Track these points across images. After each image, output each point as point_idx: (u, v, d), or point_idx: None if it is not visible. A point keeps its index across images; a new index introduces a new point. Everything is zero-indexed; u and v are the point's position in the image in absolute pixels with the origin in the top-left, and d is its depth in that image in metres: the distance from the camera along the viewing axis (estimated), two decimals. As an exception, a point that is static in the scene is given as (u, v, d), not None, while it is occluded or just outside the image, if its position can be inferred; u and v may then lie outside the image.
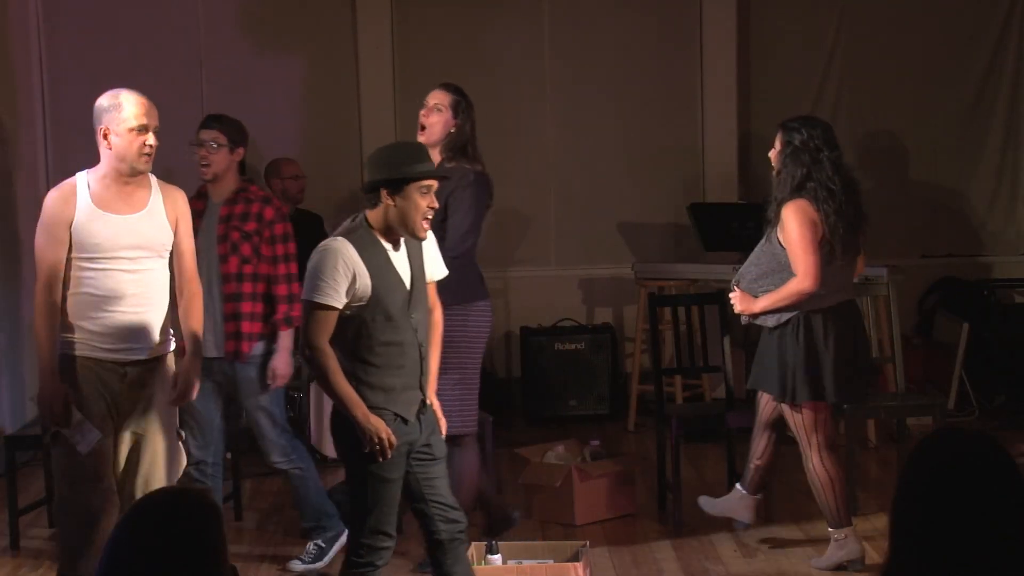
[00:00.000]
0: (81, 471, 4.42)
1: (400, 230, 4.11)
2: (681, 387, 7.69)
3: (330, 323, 4.03)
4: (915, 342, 8.13)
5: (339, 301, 4.01)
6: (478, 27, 8.40)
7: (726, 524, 5.85)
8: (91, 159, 4.58)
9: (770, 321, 5.26)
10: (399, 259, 4.15)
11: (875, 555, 5.43)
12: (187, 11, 8.22)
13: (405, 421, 4.13)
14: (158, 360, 4.56)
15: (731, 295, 5.37)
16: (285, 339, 5.38)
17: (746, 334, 6.50)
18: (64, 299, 4.45)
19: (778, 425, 5.52)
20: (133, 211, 4.50)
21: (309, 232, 7.78)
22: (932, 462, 2.35)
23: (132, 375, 4.49)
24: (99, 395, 4.46)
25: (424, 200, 4.08)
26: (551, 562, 5.03)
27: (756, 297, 5.26)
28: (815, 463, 5.35)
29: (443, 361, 4.49)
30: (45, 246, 4.45)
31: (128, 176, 4.48)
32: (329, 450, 7.02)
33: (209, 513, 2.40)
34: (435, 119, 5.37)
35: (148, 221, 4.52)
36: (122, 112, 4.43)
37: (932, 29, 8.47)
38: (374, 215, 4.10)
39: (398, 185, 4.05)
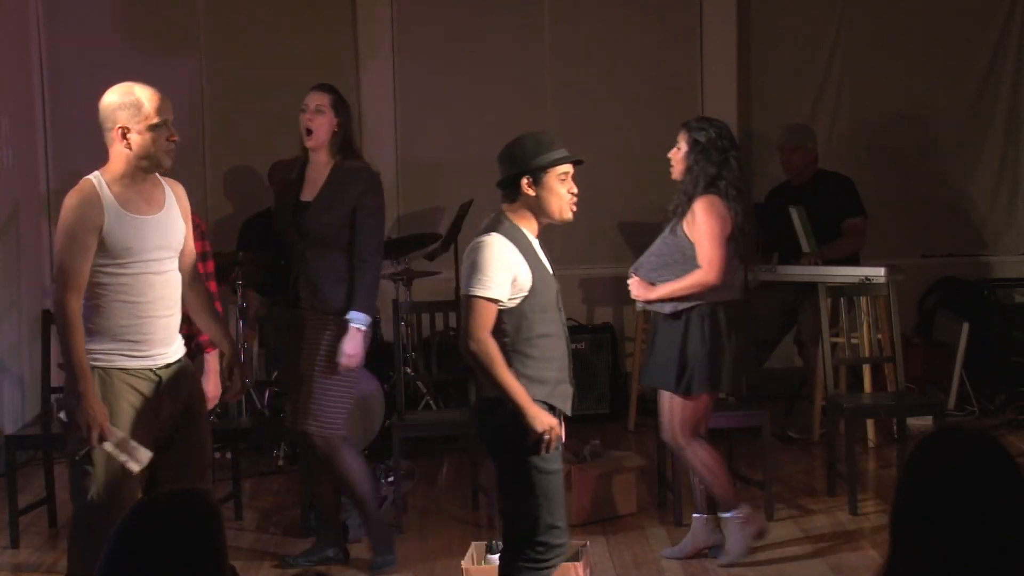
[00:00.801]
0: (119, 489, 4.20)
1: (543, 218, 4.22)
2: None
3: (492, 316, 4.08)
4: (915, 342, 8.13)
5: (503, 294, 4.08)
6: (478, 27, 8.40)
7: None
8: (91, 158, 4.51)
9: (667, 308, 5.34)
10: (541, 252, 4.27)
11: (876, 555, 5.43)
12: (187, 11, 8.22)
13: (559, 414, 4.18)
14: (182, 359, 4.42)
15: (629, 282, 5.44)
16: (212, 361, 5.20)
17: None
18: (89, 310, 4.22)
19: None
20: (155, 210, 4.33)
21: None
22: (932, 462, 2.35)
23: (166, 379, 4.31)
24: (131, 406, 4.25)
25: (564, 185, 4.23)
26: (551, 562, 5.02)
27: (654, 285, 5.35)
28: (695, 452, 5.39)
29: (329, 362, 4.68)
30: (73, 255, 4.18)
31: (149, 173, 4.32)
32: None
33: (209, 513, 2.40)
34: (320, 121, 5.40)
35: (168, 219, 4.36)
36: (142, 109, 4.28)
37: (932, 29, 8.47)
38: (515, 208, 4.21)
39: (538, 174, 4.17)
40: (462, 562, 5.02)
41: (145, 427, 4.26)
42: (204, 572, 2.34)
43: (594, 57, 8.39)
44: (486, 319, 4.07)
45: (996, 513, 2.27)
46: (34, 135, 8.00)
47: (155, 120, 4.30)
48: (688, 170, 5.38)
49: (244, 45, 8.26)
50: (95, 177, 4.27)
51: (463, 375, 6.26)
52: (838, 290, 6.57)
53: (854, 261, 7.29)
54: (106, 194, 4.23)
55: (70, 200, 4.23)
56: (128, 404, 4.24)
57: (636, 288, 5.41)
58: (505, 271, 4.08)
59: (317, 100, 5.42)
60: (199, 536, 2.36)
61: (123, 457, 4.19)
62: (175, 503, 2.41)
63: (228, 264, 7.06)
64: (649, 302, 5.40)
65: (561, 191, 4.19)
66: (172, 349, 4.36)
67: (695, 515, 5.55)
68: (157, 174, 4.42)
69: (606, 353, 8.02)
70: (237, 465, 6.26)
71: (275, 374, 6.87)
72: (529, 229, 4.22)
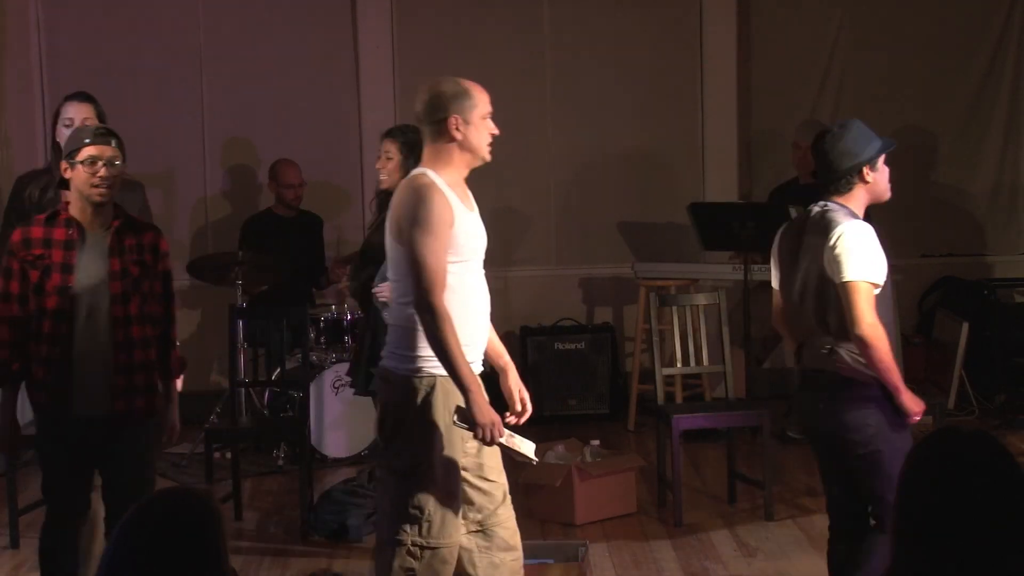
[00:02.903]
0: (456, 501, 4.01)
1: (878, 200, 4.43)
2: (681, 387, 7.69)
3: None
4: (915, 341, 8.13)
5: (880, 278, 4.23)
6: (478, 27, 8.40)
7: (726, 524, 5.85)
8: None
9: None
10: None
11: (875, 555, 5.43)
12: (187, 11, 8.22)
13: None
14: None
15: (378, 289, 5.17)
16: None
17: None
18: None
19: None
20: (473, 209, 4.13)
21: (310, 233, 7.80)
22: (933, 462, 2.36)
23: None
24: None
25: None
26: (551, 562, 5.03)
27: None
28: None
29: None
30: (438, 252, 3.88)
31: (471, 168, 4.10)
32: (330, 450, 7.04)
33: (209, 513, 2.40)
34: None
35: (479, 219, 4.16)
36: (473, 99, 4.04)
37: (932, 29, 8.47)
38: (852, 197, 4.33)
39: (875, 162, 4.36)
40: (462, 562, 5.01)
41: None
42: (204, 572, 2.34)
43: (594, 58, 8.39)
44: (872, 305, 4.18)
45: (997, 513, 2.27)
46: (34, 135, 7.99)
47: (485, 111, 4.06)
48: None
49: (244, 45, 8.26)
50: (428, 172, 3.99)
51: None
52: (838, 290, 6.56)
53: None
54: (447, 189, 3.97)
55: (418, 196, 3.91)
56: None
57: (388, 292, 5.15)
58: (879, 254, 4.24)
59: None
60: (199, 536, 2.36)
61: (523, 448, 4.01)
62: (175, 503, 2.41)
63: (229, 264, 7.07)
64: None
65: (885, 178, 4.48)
66: (481, 358, 4.13)
67: None
68: None
69: (606, 353, 8.02)
70: (237, 465, 6.26)
71: (275, 373, 6.87)
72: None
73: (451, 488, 3.97)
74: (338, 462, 7.01)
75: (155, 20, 8.20)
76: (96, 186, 4.26)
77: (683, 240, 8.21)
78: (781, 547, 5.65)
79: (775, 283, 4.52)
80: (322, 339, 7.16)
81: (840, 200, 4.30)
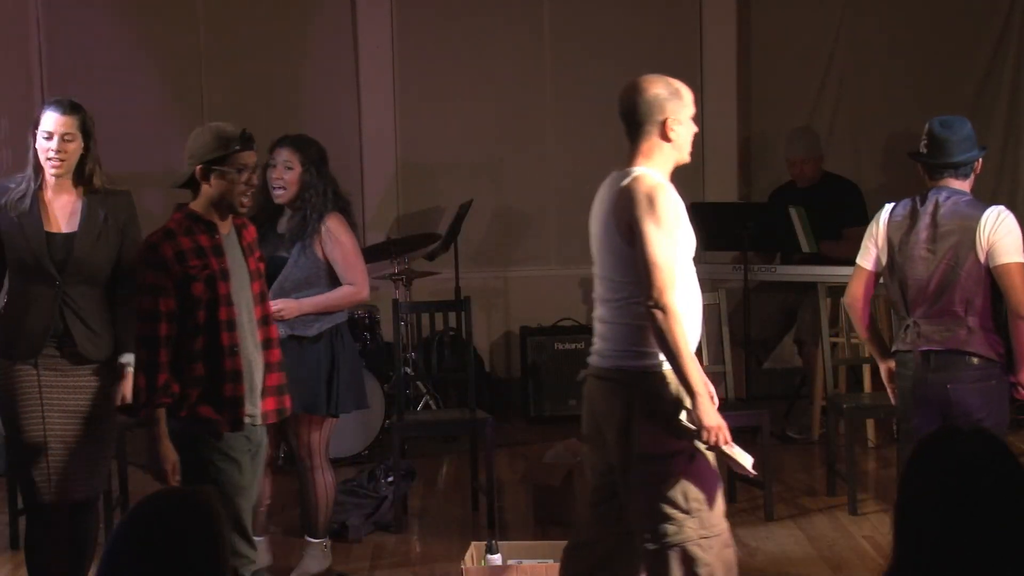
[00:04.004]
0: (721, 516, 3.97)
1: None
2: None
3: None
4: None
5: None
6: (478, 27, 8.40)
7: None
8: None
9: (311, 331, 5.19)
10: None
11: (876, 555, 5.43)
12: (187, 11, 8.22)
13: None
14: None
15: (275, 303, 4.97)
16: None
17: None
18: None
19: None
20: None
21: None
22: (934, 462, 2.35)
23: None
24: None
25: None
26: (551, 562, 5.02)
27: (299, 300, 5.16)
28: (323, 478, 5.34)
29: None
30: (673, 252, 3.89)
31: (677, 166, 4.06)
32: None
33: (209, 514, 2.40)
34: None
35: None
36: (684, 100, 4.03)
37: (932, 29, 8.47)
38: (969, 183, 4.62)
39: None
40: (462, 562, 5.02)
41: None
42: (204, 572, 2.34)
43: (594, 58, 8.39)
44: None
45: (999, 512, 2.27)
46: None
47: (691, 111, 4.05)
48: (309, 187, 5.20)
49: (244, 45, 8.26)
50: (651, 171, 3.97)
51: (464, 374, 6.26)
52: (838, 290, 6.56)
53: (854, 261, 7.27)
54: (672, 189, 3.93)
55: (653, 195, 3.89)
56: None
57: (282, 304, 5.06)
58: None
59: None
60: (199, 536, 2.36)
61: (742, 459, 3.93)
62: (175, 503, 2.41)
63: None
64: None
65: None
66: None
67: (313, 539, 5.41)
68: None
69: (606, 353, 8.01)
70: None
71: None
72: None
73: (711, 471, 3.95)
74: (338, 462, 7.00)
75: (155, 20, 8.20)
76: (244, 194, 4.16)
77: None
78: (781, 547, 5.65)
79: (869, 265, 4.80)
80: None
81: (960, 185, 4.62)
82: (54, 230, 4.49)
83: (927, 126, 4.68)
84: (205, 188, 4.17)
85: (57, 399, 4.45)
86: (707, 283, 7.59)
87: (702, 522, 3.88)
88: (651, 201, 3.87)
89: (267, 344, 4.26)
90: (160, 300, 4.03)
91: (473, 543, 5.11)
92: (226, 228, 4.20)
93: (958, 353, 4.54)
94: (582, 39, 8.39)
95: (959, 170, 4.61)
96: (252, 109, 8.19)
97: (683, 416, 3.85)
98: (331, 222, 5.21)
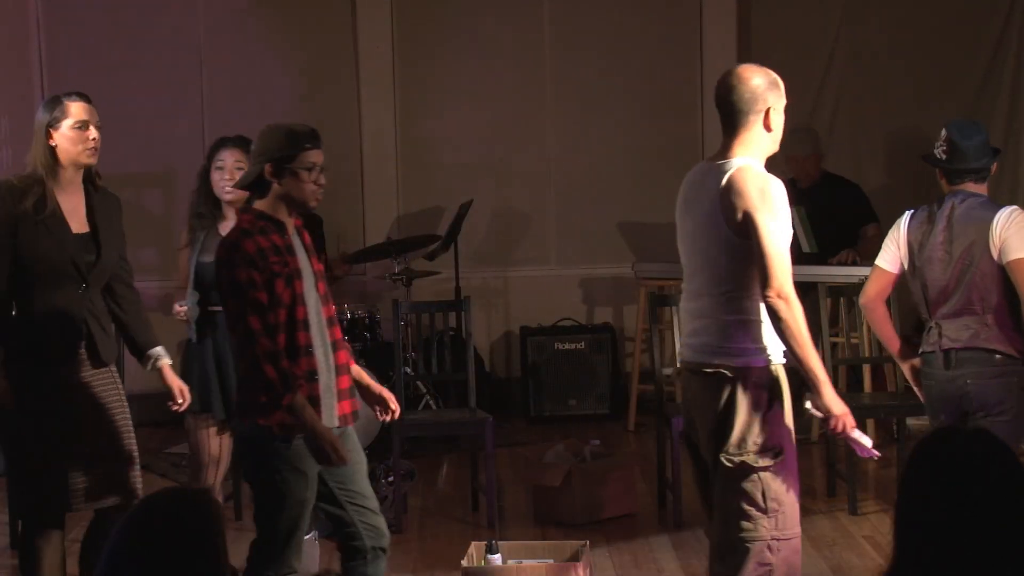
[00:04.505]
0: None
1: None
2: (681, 387, 7.68)
3: None
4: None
5: None
6: (478, 27, 8.40)
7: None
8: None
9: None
10: None
11: (876, 555, 5.43)
12: (187, 11, 8.22)
13: None
14: None
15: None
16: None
17: None
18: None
19: None
20: None
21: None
22: (934, 462, 2.35)
23: None
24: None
25: None
26: (551, 562, 5.03)
27: None
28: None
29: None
30: (787, 242, 3.94)
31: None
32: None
33: (209, 513, 2.40)
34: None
35: None
36: (781, 91, 4.04)
37: (932, 29, 8.46)
38: (985, 186, 4.81)
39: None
40: (462, 562, 5.02)
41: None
42: (204, 572, 2.34)
43: (594, 58, 8.39)
44: None
45: (999, 511, 2.27)
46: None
47: (784, 102, 4.04)
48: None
49: (244, 45, 8.26)
50: (755, 161, 3.98)
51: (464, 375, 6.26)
52: (838, 290, 6.56)
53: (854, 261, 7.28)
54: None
55: (763, 185, 3.91)
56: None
57: None
58: None
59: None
60: (199, 536, 2.35)
61: (865, 441, 3.97)
62: (175, 503, 2.41)
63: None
64: None
65: None
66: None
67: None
68: None
69: (606, 353, 8.02)
70: (237, 465, 6.25)
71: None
72: None
73: (793, 475, 3.96)
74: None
75: (155, 20, 8.21)
76: (315, 193, 4.12)
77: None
78: (781, 547, 5.64)
79: (887, 265, 4.91)
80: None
81: (978, 189, 4.78)
82: (77, 231, 4.42)
83: (944, 132, 4.79)
84: (275, 187, 4.10)
85: (90, 404, 4.37)
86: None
87: (777, 523, 3.88)
88: (763, 193, 3.88)
89: (335, 346, 4.14)
90: (257, 293, 3.93)
91: (473, 543, 5.11)
92: (291, 228, 4.15)
93: (979, 350, 4.63)
94: (582, 39, 8.39)
95: (979, 174, 4.80)
96: (252, 110, 8.19)
97: (808, 404, 3.91)
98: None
